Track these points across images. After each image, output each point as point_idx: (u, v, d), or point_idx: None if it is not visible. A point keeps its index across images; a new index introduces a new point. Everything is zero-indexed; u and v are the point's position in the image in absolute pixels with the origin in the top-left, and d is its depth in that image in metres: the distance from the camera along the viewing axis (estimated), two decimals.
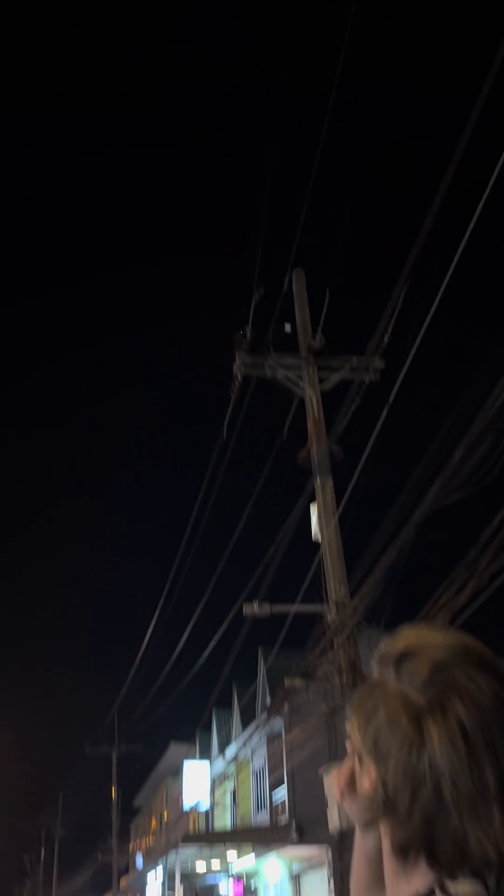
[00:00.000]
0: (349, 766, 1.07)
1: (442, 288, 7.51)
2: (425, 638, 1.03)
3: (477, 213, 6.75)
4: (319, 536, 10.62)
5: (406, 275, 9.08)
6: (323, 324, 12.13)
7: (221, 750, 29.02)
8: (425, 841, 0.94)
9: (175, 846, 21.88)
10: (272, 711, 17.77)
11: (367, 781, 1.01)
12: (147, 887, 30.56)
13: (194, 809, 29.37)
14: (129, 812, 45.51)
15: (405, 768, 0.95)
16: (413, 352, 8.59)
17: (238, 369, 12.13)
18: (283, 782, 21.16)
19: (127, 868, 41.38)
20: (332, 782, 1.12)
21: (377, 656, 1.06)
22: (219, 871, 24.42)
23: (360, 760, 1.03)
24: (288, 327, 12.33)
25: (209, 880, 26.15)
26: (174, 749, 35.01)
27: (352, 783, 1.06)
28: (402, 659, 1.01)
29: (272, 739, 22.10)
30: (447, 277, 7.35)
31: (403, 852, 0.97)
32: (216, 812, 29.88)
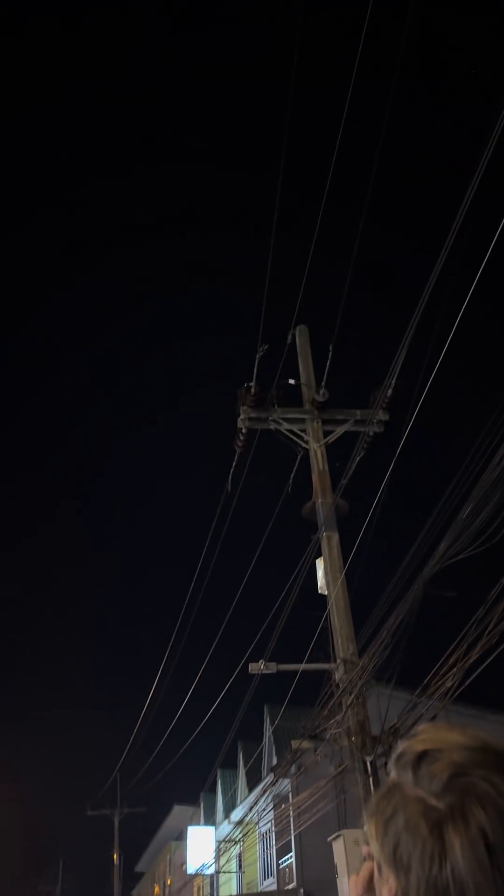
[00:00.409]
0: (367, 871, 1.01)
1: (449, 338, 7.49)
2: (444, 738, 0.98)
3: (483, 265, 6.77)
4: (326, 592, 10.46)
5: (410, 327, 9.08)
6: (326, 377, 12.16)
7: (227, 813, 28.30)
8: None
9: None
10: (278, 773, 17.33)
11: (386, 892, 0.95)
12: None
13: (199, 875, 28.53)
14: (132, 878, 44.35)
15: (427, 880, 0.89)
16: (415, 412, 8.54)
17: (242, 423, 12.15)
18: (291, 847, 20.62)
19: None
20: (351, 886, 1.07)
21: (395, 756, 1.02)
22: None
23: (379, 868, 0.98)
24: (292, 381, 12.39)
25: None
26: (178, 811, 34.12)
27: (370, 890, 1.00)
28: (420, 761, 0.96)
29: (279, 802, 21.56)
30: (454, 328, 7.33)
31: None
32: (221, 878, 29.01)
